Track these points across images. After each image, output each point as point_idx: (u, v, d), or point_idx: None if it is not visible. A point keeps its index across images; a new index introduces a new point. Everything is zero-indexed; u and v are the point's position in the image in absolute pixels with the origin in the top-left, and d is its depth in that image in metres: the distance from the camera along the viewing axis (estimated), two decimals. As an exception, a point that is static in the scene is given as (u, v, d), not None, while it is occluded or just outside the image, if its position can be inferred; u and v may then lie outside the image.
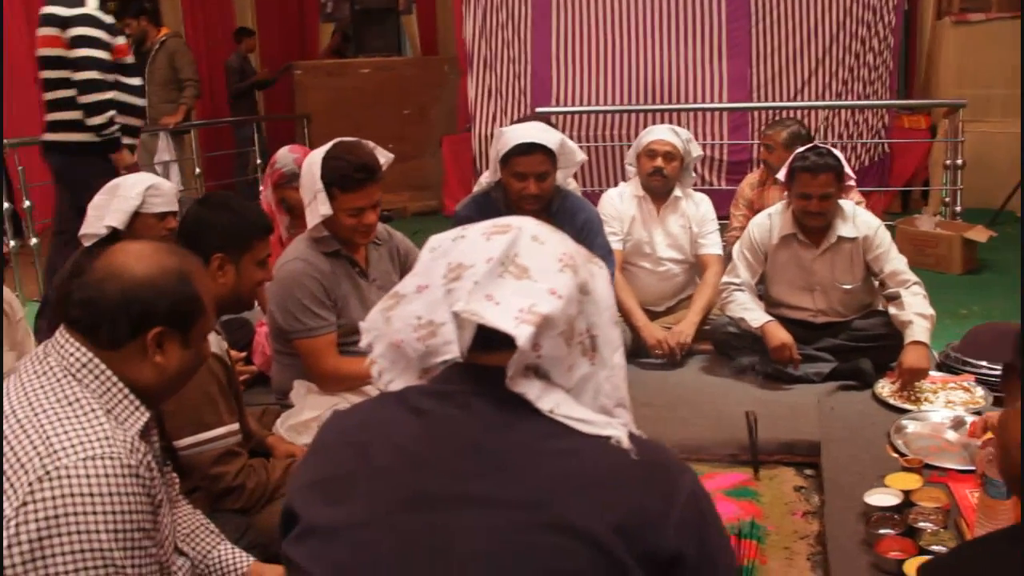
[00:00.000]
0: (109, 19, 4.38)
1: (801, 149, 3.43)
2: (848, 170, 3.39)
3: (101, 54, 4.30)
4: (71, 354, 1.41)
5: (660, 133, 3.82)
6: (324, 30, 10.92)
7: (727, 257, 3.88)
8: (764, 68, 7.73)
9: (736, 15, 7.68)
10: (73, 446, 1.30)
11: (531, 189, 3.20)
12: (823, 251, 3.45)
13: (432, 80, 8.84)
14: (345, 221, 2.69)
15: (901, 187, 7.42)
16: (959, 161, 6.09)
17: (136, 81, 4.59)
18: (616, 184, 4.38)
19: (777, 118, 5.61)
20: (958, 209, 6.05)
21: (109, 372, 1.42)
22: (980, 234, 5.49)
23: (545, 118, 4.95)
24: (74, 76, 4.27)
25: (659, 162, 3.77)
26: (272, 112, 9.50)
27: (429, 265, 1.17)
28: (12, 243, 5.52)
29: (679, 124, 7.56)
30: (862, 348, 3.42)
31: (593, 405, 1.14)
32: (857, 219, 3.46)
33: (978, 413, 2.87)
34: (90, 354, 1.41)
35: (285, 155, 3.52)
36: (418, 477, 1.06)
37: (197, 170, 6.94)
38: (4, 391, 1.39)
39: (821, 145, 3.48)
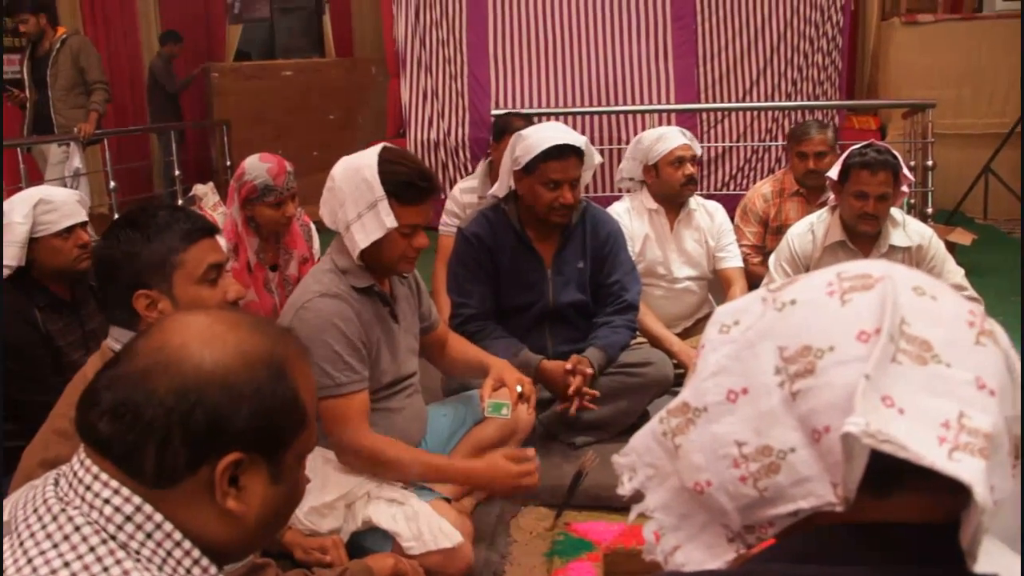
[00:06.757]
0: None
1: (858, 146, 3.06)
2: (906, 171, 3.05)
3: None
4: (106, 500, 0.85)
5: (679, 138, 3.37)
6: (232, 32, 10.21)
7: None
8: (711, 68, 7.52)
9: (681, 13, 7.46)
10: None
11: (567, 198, 2.76)
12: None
13: (359, 83, 8.30)
14: (396, 242, 2.10)
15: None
16: (929, 162, 5.90)
17: None
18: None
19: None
20: (929, 211, 5.85)
21: (170, 527, 0.87)
22: (963, 237, 5.29)
23: (506, 120, 4.53)
24: None
25: (689, 168, 3.34)
26: (185, 119, 8.71)
27: (740, 354, 0.73)
28: None
29: (625, 126, 7.32)
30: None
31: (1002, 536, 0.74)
32: (908, 227, 3.15)
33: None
34: (137, 499, 0.86)
35: (256, 165, 2.95)
36: None
37: (112, 183, 6.19)
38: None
39: (878, 143, 3.13)
